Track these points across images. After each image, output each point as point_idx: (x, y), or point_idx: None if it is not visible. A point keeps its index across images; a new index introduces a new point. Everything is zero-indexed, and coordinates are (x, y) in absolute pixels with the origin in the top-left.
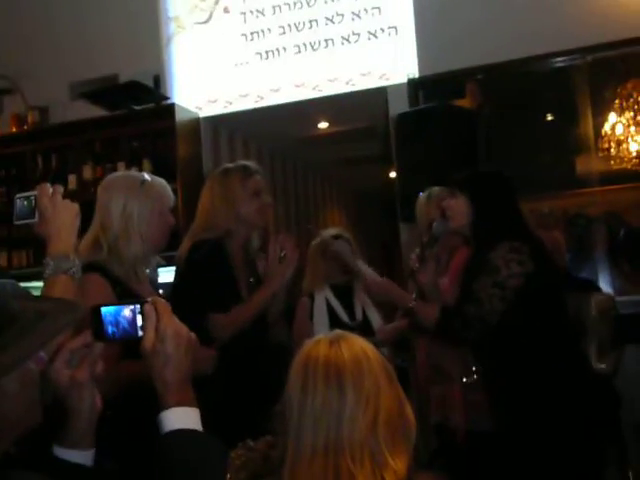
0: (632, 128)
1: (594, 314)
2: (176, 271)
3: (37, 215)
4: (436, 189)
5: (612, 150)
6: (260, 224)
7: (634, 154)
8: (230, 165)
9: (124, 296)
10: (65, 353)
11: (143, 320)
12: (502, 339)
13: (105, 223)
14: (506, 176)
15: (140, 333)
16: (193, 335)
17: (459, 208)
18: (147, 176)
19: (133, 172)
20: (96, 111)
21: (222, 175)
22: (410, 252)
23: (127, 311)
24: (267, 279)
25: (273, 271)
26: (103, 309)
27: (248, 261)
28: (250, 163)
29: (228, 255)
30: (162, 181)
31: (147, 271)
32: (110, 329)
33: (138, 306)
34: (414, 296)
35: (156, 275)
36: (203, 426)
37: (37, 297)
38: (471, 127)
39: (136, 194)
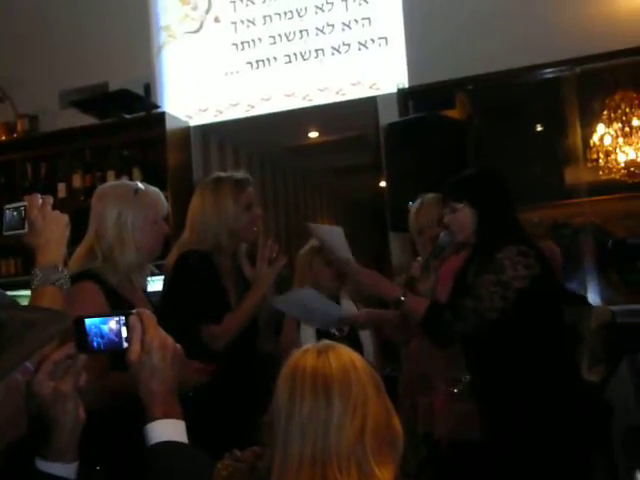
0: (620, 139)
1: (593, 326)
2: (164, 280)
3: (27, 226)
4: (429, 196)
5: (601, 161)
6: (250, 238)
7: (622, 165)
8: (222, 175)
9: (117, 305)
10: (48, 365)
11: (128, 332)
12: (495, 344)
13: (100, 232)
14: (499, 174)
15: (125, 345)
16: (179, 347)
17: (462, 220)
18: (140, 185)
19: (126, 181)
20: (86, 119)
21: (214, 185)
22: (400, 261)
23: (112, 322)
24: (256, 282)
25: (262, 274)
26: (87, 320)
27: (236, 270)
28: (242, 175)
29: (216, 266)
30: (156, 189)
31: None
32: (94, 340)
33: (123, 318)
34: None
35: (145, 284)
36: (190, 436)
37: (25, 306)
38: (461, 137)
39: (130, 203)
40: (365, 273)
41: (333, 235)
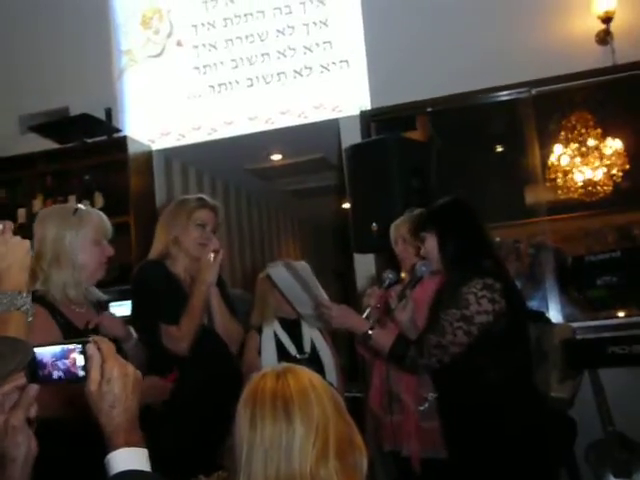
0: (577, 159)
1: (555, 343)
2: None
3: None
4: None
5: (559, 180)
6: (195, 254)
7: (580, 184)
8: (189, 196)
9: (64, 325)
10: None
11: (85, 360)
12: (458, 365)
13: (39, 253)
14: (465, 202)
15: (81, 374)
16: (139, 373)
17: (430, 250)
18: (81, 206)
19: (68, 204)
20: (47, 144)
21: (177, 203)
22: (364, 281)
23: (67, 351)
24: (199, 273)
25: (204, 265)
26: (37, 350)
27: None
28: (208, 198)
29: (171, 273)
30: (99, 212)
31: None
32: (47, 370)
33: (79, 346)
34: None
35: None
36: (155, 461)
37: None
38: (422, 158)
39: (68, 222)
40: (335, 309)
41: (303, 271)
